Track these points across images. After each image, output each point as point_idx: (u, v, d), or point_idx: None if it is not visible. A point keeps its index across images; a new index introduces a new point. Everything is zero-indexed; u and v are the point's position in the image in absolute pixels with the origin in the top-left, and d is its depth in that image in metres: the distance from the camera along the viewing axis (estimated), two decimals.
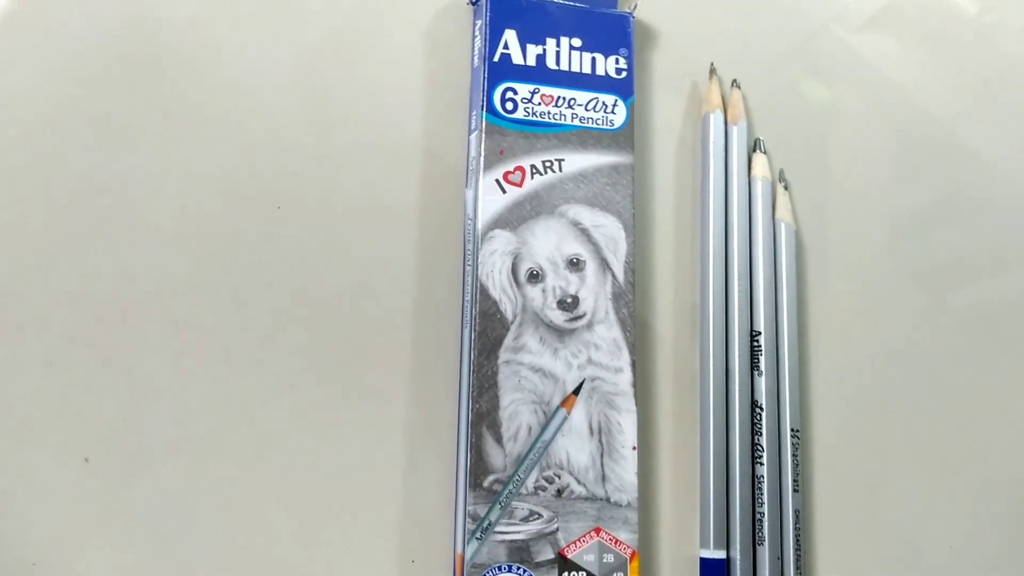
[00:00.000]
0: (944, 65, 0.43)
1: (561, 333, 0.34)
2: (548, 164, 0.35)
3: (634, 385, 0.34)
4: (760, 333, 0.36)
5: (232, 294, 0.33)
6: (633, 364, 0.34)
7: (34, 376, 0.31)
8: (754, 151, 0.39)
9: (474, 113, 0.36)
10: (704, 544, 0.34)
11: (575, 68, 0.36)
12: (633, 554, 0.32)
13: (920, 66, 0.42)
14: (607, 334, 0.34)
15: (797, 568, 0.34)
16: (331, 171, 0.35)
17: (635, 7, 0.38)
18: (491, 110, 0.35)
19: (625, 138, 0.36)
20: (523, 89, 0.36)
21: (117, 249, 0.32)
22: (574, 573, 0.31)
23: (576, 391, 0.33)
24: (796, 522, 0.35)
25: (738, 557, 0.34)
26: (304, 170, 0.35)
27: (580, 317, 0.34)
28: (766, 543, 0.34)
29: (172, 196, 0.33)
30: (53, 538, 0.30)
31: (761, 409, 0.36)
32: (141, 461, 0.31)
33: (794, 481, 0.35)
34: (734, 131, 0.39)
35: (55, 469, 0.30)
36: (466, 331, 0.34)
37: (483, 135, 0.35)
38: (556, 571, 0.31)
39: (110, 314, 0.32)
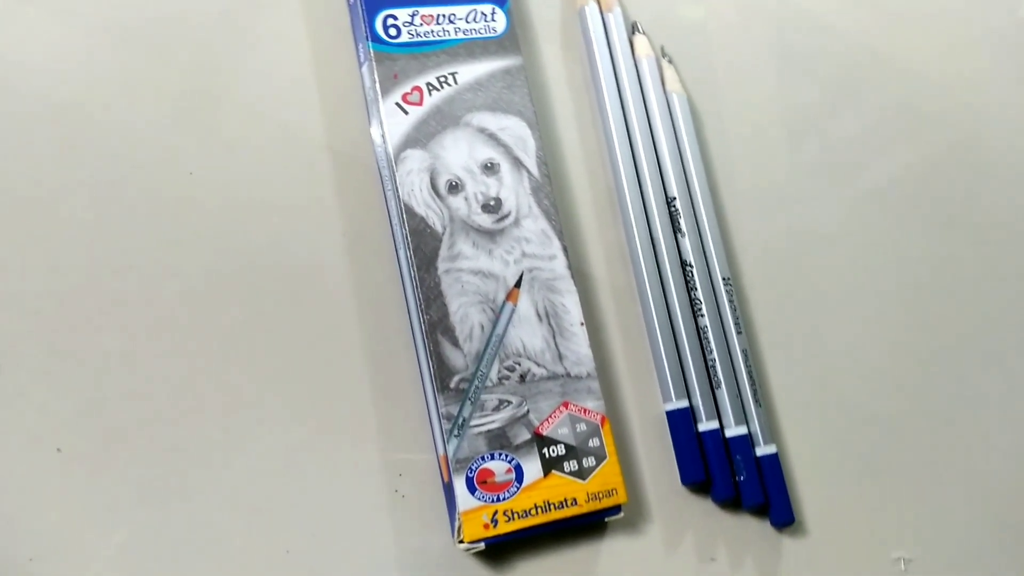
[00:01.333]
0: None
1: (491, 234, 0.35)
2: (443, 79, 0.36)
3: (569, 267, 0.35)
4: (675, 198, 0.38)
5: (166, 264, 0.33)
6: (564, 248, 0.35)
7: None
8: (633, 34, 0.41)
9: (360, 47, 0.37)
10: (666, 398, 0.36)
11: None
12: (603, 419, 0.34)
13: None
14: (534, 226, 0.36)
15: (756, 401, 0.36)
16: (235, 135, 0.35)
17: None
18: (375, 39, 0.36)
19: (510, 42, 0.38)
20: (402, 13, 0.37)
21: (37, 246, 0.33)
22: (552, 447, 0.33)
23: (517, 284, 0.35)
24: (745, 360, 0.37)
25: (700, 403, 0.36)
26: (207, 139, 0.35)
27: (506, 216, 0.36)
28: (722, 385, 0.36)
29: (87, 185, 0.34)
30: (45, 530, 0.30)
31: (691, 266, 0.38)
32: (112, 441, 0.31)
33: (735, 324, 0.37)
34: (610, 19, 0.40)
35: (30, 464, 0.30)
36: (401, 252, 0.35)
37: (374, 64, 0.36)
38: (535, 449, 0.33)
39: (49, 309, 0.32)
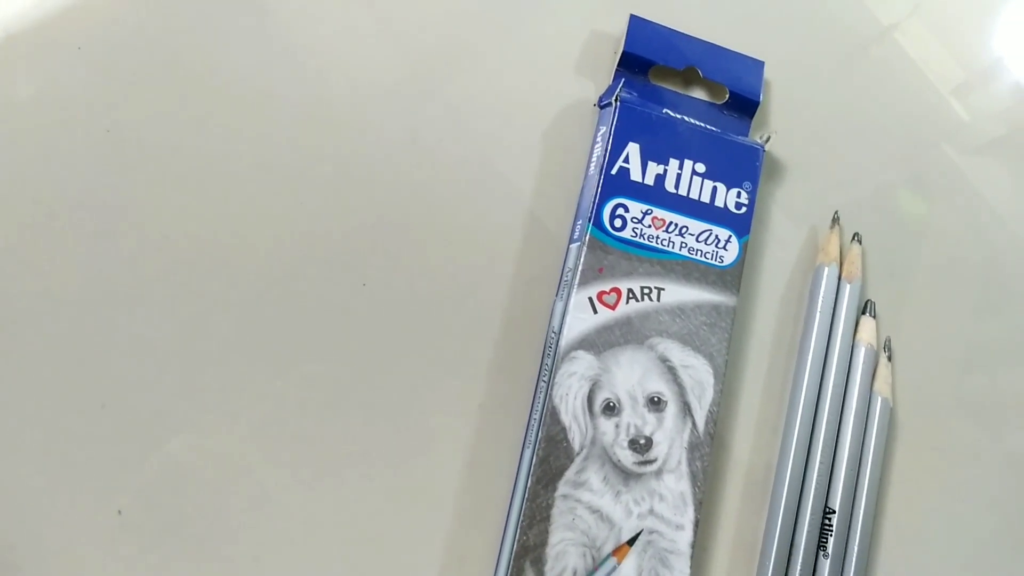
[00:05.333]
0: None
1: (627, 475, 0.32)
2: (647, 291, 0.33)
3: (693, 546, 0.31)
4: (834, 512, 0.34)
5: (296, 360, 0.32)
6: (696, 523, 0.32)
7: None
8: (863, 313, 0.37)
9: (579, 223, 0.34)
10: None
11: (693, 195, 0.34)
12: None
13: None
14: (675, 486, 0.32)
15: None
16: (423, 258, 0.33)
17: (768, 139, 0.36)
18: (598, 224, 0.33)
19: (732, 278, 0.34)
20: (635, 208, 0.34)
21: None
22: None
23: (631, 541, 0.31)
24: None
25: None
26: (394, 251, 0.33)
27: (651, 462, 0.32)
28: None
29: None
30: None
31: None
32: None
33: None
34: (846, 289, 0.36)
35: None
36: (527, 452, 0.32)
37: (584, 248, 0.33)
38: None
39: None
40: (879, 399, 0.35)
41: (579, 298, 0.33)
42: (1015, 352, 0.39)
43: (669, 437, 0.32)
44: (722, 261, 0.34)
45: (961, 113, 0.41)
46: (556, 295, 0.34)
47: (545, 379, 0.32)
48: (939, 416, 0.37)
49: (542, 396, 0.32)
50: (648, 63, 0.36)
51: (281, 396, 0.31)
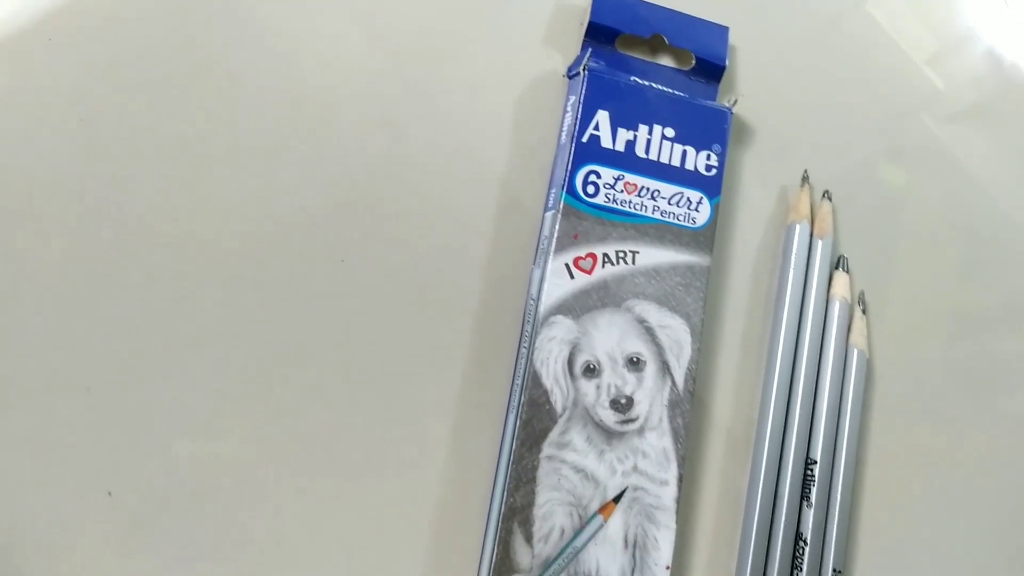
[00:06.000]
0: None
1: (610, 435, 0.32)
2: (621, 255, 0.34)
3: (678, 501, 0.32)
4: (816, 463, 0.35)
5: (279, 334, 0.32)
6: (680, 479, 0.32)
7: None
8: (836, 268, 0.37)
9: (553, 191, 0.35)
10: None
11: (664, 159, 0.35)
12: None
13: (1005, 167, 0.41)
14: (657, 443, 0.33)
15: None
16: (400, 233, 0.34)
17: (735, 102, 0.36)
18: (571, 192, 0.34)
19: (705, 238, 0.35)
20: (607, 174, 0.34)
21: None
22: None
23: (616, 499, 0.32)
24: None
25: None
26: (371, 227, 0.34)
27: (632, 420, 0.33)
28: None
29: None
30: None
31: (805, 543, 0.34)
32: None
33: None
34: (818, 245, 0.37)
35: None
36: (511, 416, 0.32)
37: (559, 216, 0.34)
38: None
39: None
40: (855, 351, 0.36)
41: (556, 264, 0.33)
42: (990, 308, 0.39)
43: (649, 396, 0.33)
44: (694, 223, 0.35)
45: (935, 81, 0.41)
46: (533, 263, 0.35)
47: (526, 345, 0.33)
48: (914, 366, 0.38)
49: (523, 361, 0.33)
50: (614, 32, 0.36)
51: (262, 372, 0.32)
